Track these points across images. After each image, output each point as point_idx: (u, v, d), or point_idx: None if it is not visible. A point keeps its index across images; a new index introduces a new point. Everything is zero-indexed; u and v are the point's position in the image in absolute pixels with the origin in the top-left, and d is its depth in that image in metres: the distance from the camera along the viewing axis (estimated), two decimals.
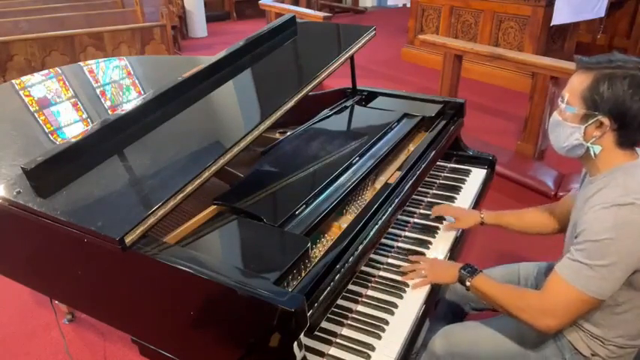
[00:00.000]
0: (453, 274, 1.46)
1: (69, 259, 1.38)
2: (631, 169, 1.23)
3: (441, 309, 1.87)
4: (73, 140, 1.43)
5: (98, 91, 2.47)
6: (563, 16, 4.48)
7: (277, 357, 1.08)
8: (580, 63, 1.25)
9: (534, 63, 3.32)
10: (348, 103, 2.22)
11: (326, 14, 5.17)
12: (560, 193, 3.08)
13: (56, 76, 2.52)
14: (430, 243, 1.73)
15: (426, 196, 2.00)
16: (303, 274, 1.23)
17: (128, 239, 1.15)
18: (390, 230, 1.65)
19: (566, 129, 1.27)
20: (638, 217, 1.15)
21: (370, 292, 1.50)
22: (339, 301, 1.36)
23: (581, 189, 1.41)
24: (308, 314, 1.09)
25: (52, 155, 1.37)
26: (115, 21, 6.32)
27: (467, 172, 2.18)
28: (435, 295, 1.55)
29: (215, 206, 1.45)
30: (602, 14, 4.84)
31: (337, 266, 1.27)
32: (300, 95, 1.68)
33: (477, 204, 2.01)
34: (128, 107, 1.60)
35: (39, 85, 2.44)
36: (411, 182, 1.69)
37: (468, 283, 1.42)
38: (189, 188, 1.29)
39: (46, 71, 2.56)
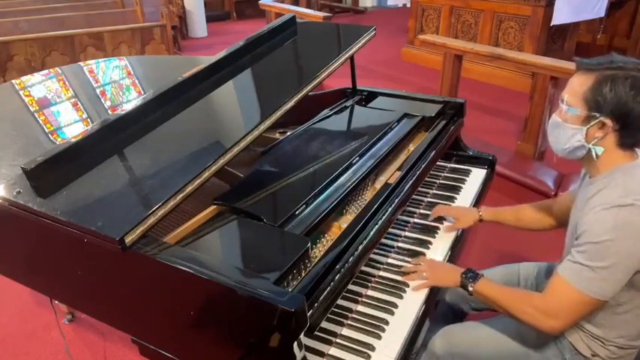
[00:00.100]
0: (454, 279, 1.46)
1: (69, 259, 1.38)
2: (631, 170, 1.23)
3: (440, 309, 1.87)
4: (73, 140, 1.43)
5: (98, 91, 2.47)
6: (563, 16, 4.48)
7: (277, 357, 1.08)
8: (580, 64, 1.25)
9: (534, 63, 3.32)
10: (348, 103, 2.22)
11: (326, 14, 5.17)
12: (560, 193, 3.08)
13: (56, 76, 2.52)
14: (430, 243, 1.73)
15: (426, 196, 2.00)
16: (303, 274, 1.23)
17: (128, 239, 1.15)
18: (390, 230, 1.64)
19: (567, 131, 1.27)
20: (638, 218, 1.15)
21: (370, 292, 1.50)
22: (339, 301, 1.36)
23: (580, 189, 1.41)
24: (308, 314, 1.09)
25: (52, 155, 1.37)
26: (115, 21, 6.32)
27: (467, 172, 2.18)
28: (435, 295, 1.55)
29: (215, 206, 1.45)
30: (602, 14, 4.84)
31: (337, 266, 1.27)
32: (300, 95, 1.68)
33: (477, 204, 2.01)
34: (128, 107, 1.60)
35: (39, 85, 2.44)
36: (411, 182, 1.69)
37: (470, 289, 1.42)
38: (189, 188, 1.29)
39: (46, 71, 2.56)
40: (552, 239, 1.70)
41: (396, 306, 1.45)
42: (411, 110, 2.11)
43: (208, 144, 1.53)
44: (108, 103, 2.37)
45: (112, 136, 1.50)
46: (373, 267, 1.57)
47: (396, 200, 1.58)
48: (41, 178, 1.35)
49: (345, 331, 1.37)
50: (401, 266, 1.59)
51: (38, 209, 1.27)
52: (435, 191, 2.05)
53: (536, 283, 1.65)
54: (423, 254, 1.67)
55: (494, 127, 4.06)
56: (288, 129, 2.04)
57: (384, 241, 1.61)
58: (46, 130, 2.09)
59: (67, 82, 2.50)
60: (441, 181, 2.12)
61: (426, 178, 1.98)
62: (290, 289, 1.16)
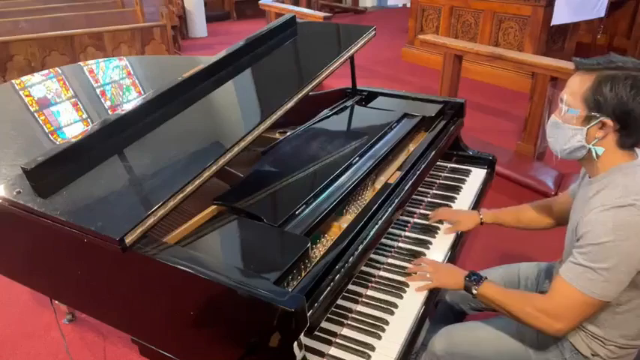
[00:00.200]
0: (458, 282, 1.46)
1: (69, 259, 1.38)
2: (631, 170, 1.23)
3: (441, 309, 1.87)
4: (73, 140, 1.43)
5: (98, 91, 2.47)
6: (563, 16, 4.48)
7: (277, 357, 1.08)
8: (579, 64, 1.25)
9: (534, 63, 3.32)
10: (348, 103, 2.22)
11: (326, 14, 5.17)
12: (560, 193, 3.08)
13: (56, 76, 2.52)
14: (430, 243, 1.73)
15: (426, 196, 2.00)
16: (303, 274, 1.23)
17: (128, 239, 1.15)
18: (390, 230, 1.64)
19: (567, 131, 1.27)
20: (638, 218, 1.15)
21: (370, 292, 1.50)
22: (339, 301, 1.36)
23: (580, 188, 1.41)
24: (308, 314, 1.09)
25: (52, 155, 1.37)
26: (115, 21, 6.33)
27: (467, 172, 2.18)
28: (435, 295, 1.55)
29: (215, 206, 1.45)
30: (602, 14, 4.85)
31: (337, 266, 1.27)
32: (300, 95, 1.67)
33: (477, 204, 2.01)
34: (128, 107, 1.60)
35: (39, 85, 2.44)
36: (411, 182, 1.69)
37: (474, 292, 1.41)
38: (189, 188, 1.29)
39: (46, 71, 2.56)
40: (552, 239, 1.70)
41: (396, 306, 1.45)
42: (411, 110, 2.11)
43: (208, 144, 1.53)
44: (108, 103, 2.37)
45: (112, 136, 1.50)
46: (373, 267, 1.57)
47: (396, 200, 1.57)
48: (41, 178, 1.35)
49: (345, 331, 1.37)
50: (401, 266, 1.59)
51: (38, 209, 1.27)
52: (435, 191, 2.05)
53: (537, 283, 1.65)
54: (424, 254, 1.67)
55: (495, 127, 4.07)
56: (288, 129, 2.03)
57: (384, 241, 1.61)
58: (46, 130, 2.09)
59: (67, 82, 2.50)
60: (441, 181, 2.12)
61: (426, 178, 1.98)
62: (290, 289, 1.16)
